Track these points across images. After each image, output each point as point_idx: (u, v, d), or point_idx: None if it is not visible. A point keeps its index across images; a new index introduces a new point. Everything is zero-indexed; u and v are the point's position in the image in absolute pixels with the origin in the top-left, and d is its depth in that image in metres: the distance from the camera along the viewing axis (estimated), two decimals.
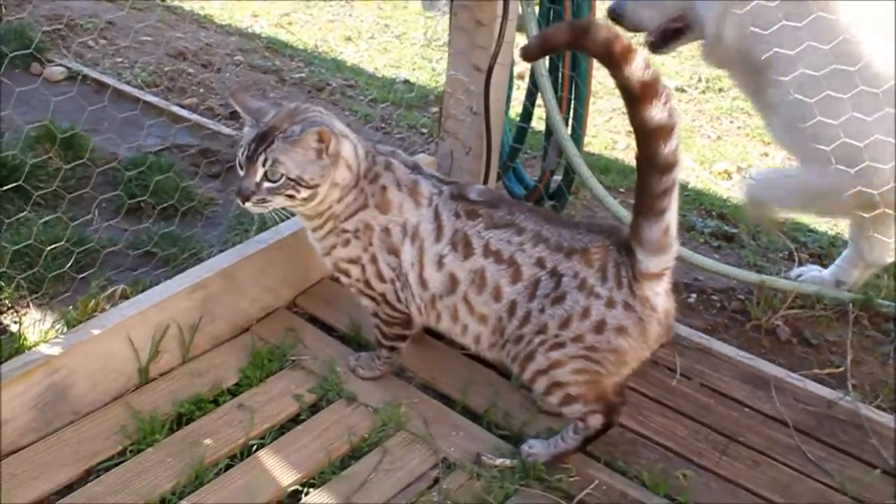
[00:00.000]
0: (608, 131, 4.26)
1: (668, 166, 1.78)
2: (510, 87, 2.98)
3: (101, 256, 2.50)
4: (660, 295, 1.91)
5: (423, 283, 2.07)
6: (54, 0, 4.17)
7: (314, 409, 2.22)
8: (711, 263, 2.85)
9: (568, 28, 1.84)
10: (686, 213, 3.47)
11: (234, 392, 2.24)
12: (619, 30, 1.88)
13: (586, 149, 2.88)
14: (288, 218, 2.45)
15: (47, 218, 2.42)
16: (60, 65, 3.78)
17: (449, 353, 2.38)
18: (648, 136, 1.76)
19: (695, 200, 3.64)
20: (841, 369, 2.59)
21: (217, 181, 3.05)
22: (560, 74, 2.81)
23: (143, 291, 2.27)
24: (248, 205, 1.97)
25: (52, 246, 2.38)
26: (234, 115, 3.68)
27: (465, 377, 2.31)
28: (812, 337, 2.74)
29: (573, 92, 2.81)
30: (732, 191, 3.83)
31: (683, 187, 3.60)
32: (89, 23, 4.12)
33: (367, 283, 2.16)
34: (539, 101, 2.92)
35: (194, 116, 3.42)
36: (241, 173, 1.96)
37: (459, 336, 2.10)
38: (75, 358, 2.07)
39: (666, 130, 1.75)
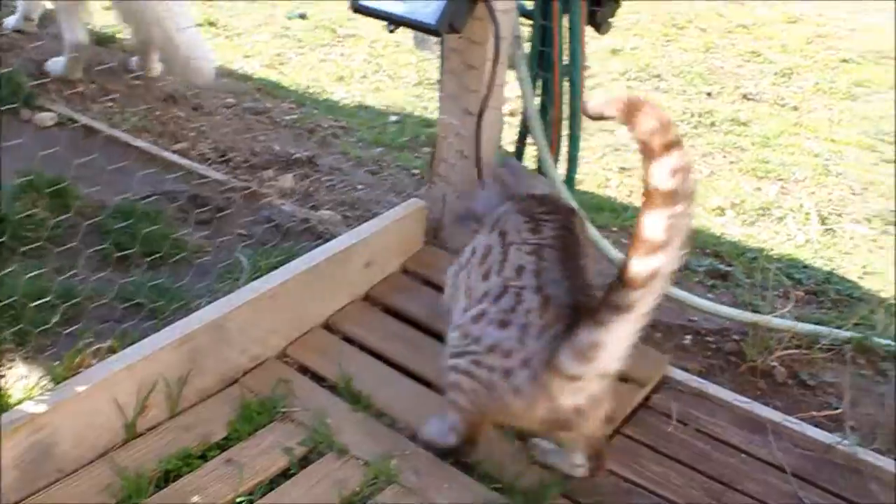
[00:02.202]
0: (601, 169, 4.25)
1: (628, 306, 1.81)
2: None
3: (89, 309, 2.47)
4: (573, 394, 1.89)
5: None
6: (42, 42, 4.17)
7: (304, 462, 2.17)
8: (705, 304, 2.83)
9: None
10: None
11: (222, 446, 2.20)
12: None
13: (578, 187, 2.86)
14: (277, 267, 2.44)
15: (33, 273, 2.39)
16: (50, 110, 3.77)
17: (440, 400, 2.34)
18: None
19: (689, 239, 3.61)
20: (839, 411, 2.56)
21: (207, 228, 3.02)
22: (550, 115, 2.81)
23: (130, 345, 2.24)
24: None
25: (38, 301, 2.35)
26: (224, 160, 3.66)
27: None
28: (809, 378, 2.72)
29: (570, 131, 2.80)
30: (726, 227, 3.82)
31: None
32: None
33: None
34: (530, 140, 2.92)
35: (185, 161, 3.40)
36: None
37: None
38: (60, 415, 2.03)
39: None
